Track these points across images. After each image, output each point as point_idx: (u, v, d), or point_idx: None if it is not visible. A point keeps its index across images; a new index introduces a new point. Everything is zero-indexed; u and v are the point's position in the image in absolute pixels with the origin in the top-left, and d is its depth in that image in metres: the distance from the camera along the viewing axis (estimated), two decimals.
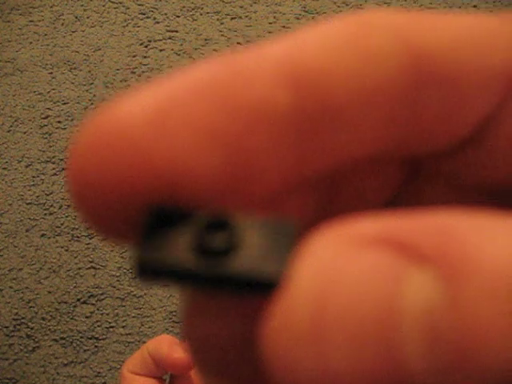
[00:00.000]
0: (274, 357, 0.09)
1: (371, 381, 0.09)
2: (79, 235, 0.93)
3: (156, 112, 0.11)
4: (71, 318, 0.89)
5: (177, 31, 1.04)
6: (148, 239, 0.11)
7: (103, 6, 1.06)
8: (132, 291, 0.90)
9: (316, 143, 0.11)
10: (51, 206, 0.95)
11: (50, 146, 0.98)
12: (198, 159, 0.11)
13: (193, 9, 1.05)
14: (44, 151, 0.97)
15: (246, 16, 1.04)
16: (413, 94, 0.11)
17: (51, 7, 1.07)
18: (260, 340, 0.10)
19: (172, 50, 1.03)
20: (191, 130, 0.11)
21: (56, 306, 0.90)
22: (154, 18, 1.05)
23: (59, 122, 0.99)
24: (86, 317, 0.89)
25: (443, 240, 0.09)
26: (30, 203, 0.95)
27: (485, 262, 0.09)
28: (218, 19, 1.04)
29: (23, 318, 0.90)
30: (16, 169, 0.97)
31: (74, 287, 0.91)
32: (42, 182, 0.96)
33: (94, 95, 1.00)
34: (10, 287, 0.91)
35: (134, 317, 0.89)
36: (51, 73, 1.02)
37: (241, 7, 1.05)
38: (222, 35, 1.03)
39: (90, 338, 0.88)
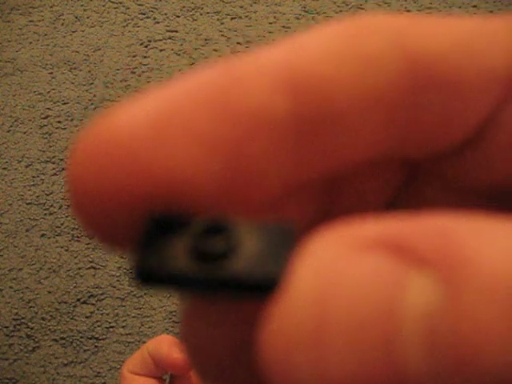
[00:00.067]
0: (272, 361, 0.09)
1: None
2: (79, 235, 0.93)
3: (155, 120, 0.11)
4: (71, 318, 0.89)
5: (177, 31, 1.04)
6: (147, 246, 0.11)
7: (103, 6, 1.06)
8: (132, 291, 0.90)
9: (315, 148, 0.11)
10: (51, 206, 0.95)
11: (50, 146, 0.98)
12: (198, 166, 0.11)
13: (193, 9, 1.05)
14: (44, 151, 0.97)
15: (246, 16, 1.04)
16: (411, 97, 0.11)
17: (51, 7, 1.06)
18: (258, 344, 0.10)
19: (172, 49, 1.03)
20: (190, 137, 0.11)
21: (56, 306, 0.90)
22: (154, 18, 1.05)
23: (59, 122, 0.99)
24: (86, 317, 0.89)
25: (442, 243, 0.09)
26: (30, 203, 0.95)
27: (483, 265, 0.08)
28: (218, 19, 1.04)
29: (23, 318, 0.90)
30: (16, 169, 0.97)
31: (74, 287, 0.91)
32: (42, 182, 0.96)
33: (94, 95, 1.00)
34: (10, 287, 0.91)
35: (134, 317, 0.89)
36: (51, 73, 1.02)
37: (241, 7, 1.05)
38: (222, 35, 1.03)
39: (90, 338, 0.88)
